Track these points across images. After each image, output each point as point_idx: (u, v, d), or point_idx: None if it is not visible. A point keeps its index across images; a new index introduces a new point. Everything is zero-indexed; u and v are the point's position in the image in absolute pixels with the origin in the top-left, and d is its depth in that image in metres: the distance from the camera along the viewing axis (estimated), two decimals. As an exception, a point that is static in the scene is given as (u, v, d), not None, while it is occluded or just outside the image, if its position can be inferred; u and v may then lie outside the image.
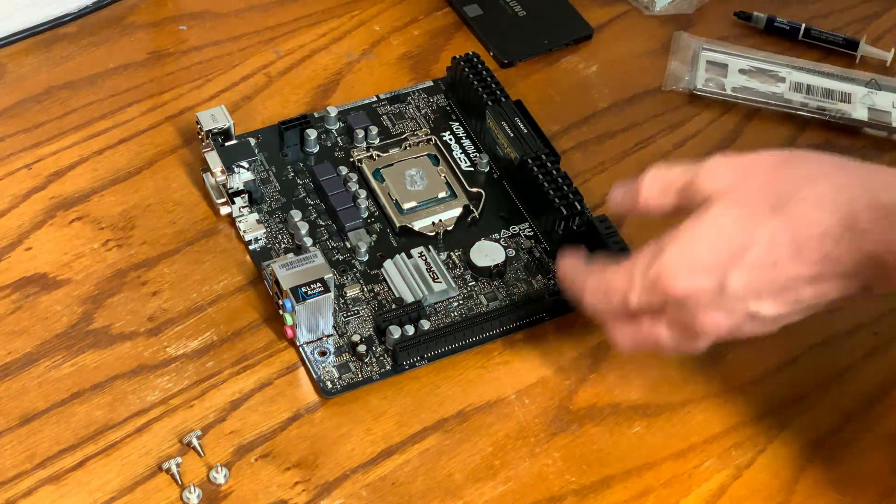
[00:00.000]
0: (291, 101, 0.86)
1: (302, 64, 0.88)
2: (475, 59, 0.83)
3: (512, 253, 0.77)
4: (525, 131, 0.79)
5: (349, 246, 0.77)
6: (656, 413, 0.72)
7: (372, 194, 0.79)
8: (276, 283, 0.71)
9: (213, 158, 0.77)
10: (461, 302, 0.75)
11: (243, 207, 0.78)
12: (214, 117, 0.78)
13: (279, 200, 0.79)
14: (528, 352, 0.74)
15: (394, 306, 0.74)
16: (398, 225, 0.78)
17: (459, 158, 0.82)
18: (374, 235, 0.78)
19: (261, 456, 0.69)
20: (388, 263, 0.76)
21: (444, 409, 0.71)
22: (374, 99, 0.85)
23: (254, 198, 0.78)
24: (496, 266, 0.76)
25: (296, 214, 0.77)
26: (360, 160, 0.81)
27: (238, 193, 0.77)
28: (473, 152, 0.82)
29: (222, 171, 0.77)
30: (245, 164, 0.78)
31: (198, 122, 0.78)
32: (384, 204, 0.79)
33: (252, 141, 0.80)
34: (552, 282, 0.75)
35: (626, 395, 0.72)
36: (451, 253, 0.77)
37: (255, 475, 0.68)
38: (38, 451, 0.68)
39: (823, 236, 0.60)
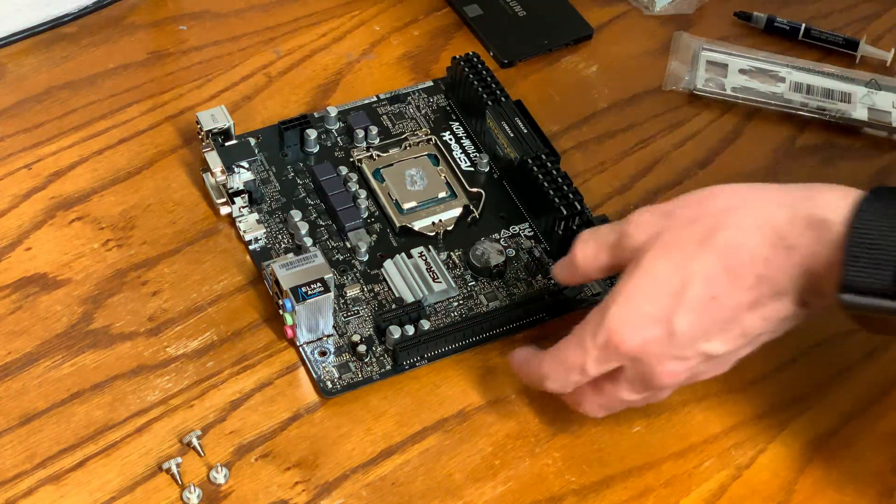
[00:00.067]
0: (291, 101, 0.86)
1: (302, 64, 0.88)
2: (475, 59, 0.83)
3: (512, 253, 0.77)
4: (525, 131, 0.79)
5: (349, 246, 0.77)
6: (656, 413, 0.72)
7: (372, 194, 0.79)
8: (276, 283, 0.71)
9: (213, 158, 0.77)
10: (461, 302, 0.75)
11: (243, 207, 0.78)
12: (214, 117, 0.78)
13: (279, 200, 0.79)
14: (528, 352, 0.74)
15: (394, 306, 0.74)
16: (398, 225, 0.78)
17: (459, 158, 0.82)
18: (374, 235, 0.78)
19: (261, 456, 0.69)
20: (388, 263, 0.76)
21: (444, 409, 0.71)
22: (374, 99, 0.85)
23: (254, 198, 0.78)
24: (496, 266, 0.76)
25: (296, 214, 0.77)
26: (360, 160, 0.81)
27: (238, 193, 0.77)
28: (473, 152, 0.82)
29: (222, 171, 0.77)
30: (245, 164, 0.78)
31: (198, 122, 0.78)
32: (384, 204, 0.79)
33: (252, 141, 0.80)
34: (552, 282, 0.75)
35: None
36: (451, 253, 0.77)
37: (256, 475, 0.68)
38: (38, 451, 0.68)
39: (754, 259, 0.61)
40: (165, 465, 0.68)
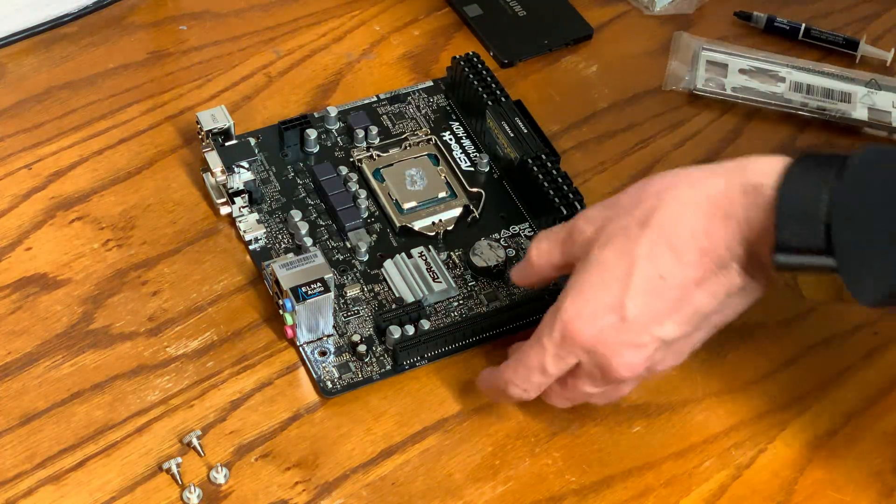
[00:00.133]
0: (291, 101, 0.86)
1: (302, 64, 0.88)
2: (475, 59, 0.83)
3: (512, 253, 0.77)
4: (525, 131, 0.79)
5: (349, 246, 0.77)
6: (656, 413, 0.72)
7: (372, 194, 0.79)
8: (276, 282, 0.71)
9: (213, 158, 0.77)
10: (461, 302, 0.75)
11: (243, 207, 0.78)
12: (214, 117, 0.78)
13: (279, 200, 0.79)
14: (528, 352, 0.74)
15: (394, 306, 0.74)
16: (398, 225, 0.78)
17: (459, 158, 0.82)
18: (374, 235, 0.78)
19: (261, 456, 0.69)
20: (388, 263, 0.76)
21: (444, 409, 0.71)
22: (374, 99, 0.85)
23: (254, 198, 0.78)
24: (496, 266, 0.76)
25: (296, 214, 0.77)
26: (360, 160, 0.81)
27: (238, 193, 0.77)
28: (473, 152, 0.82)
29: (222, 171, 0.77)
30: (245, 164, 0.78)
31: (198, 122, 0.78)
32: (384, 204, 0.79)
33: (252, 141, 0.80)
34: (552, 282, 0.75)
35: (627, 395, 0.72)
36: (451, 253, 0.77)
37: (256, 475, 0.68)
38: (38, 451, 0.68)
39: (694, 233, 0.62)
40: (165, 465, 0.68)
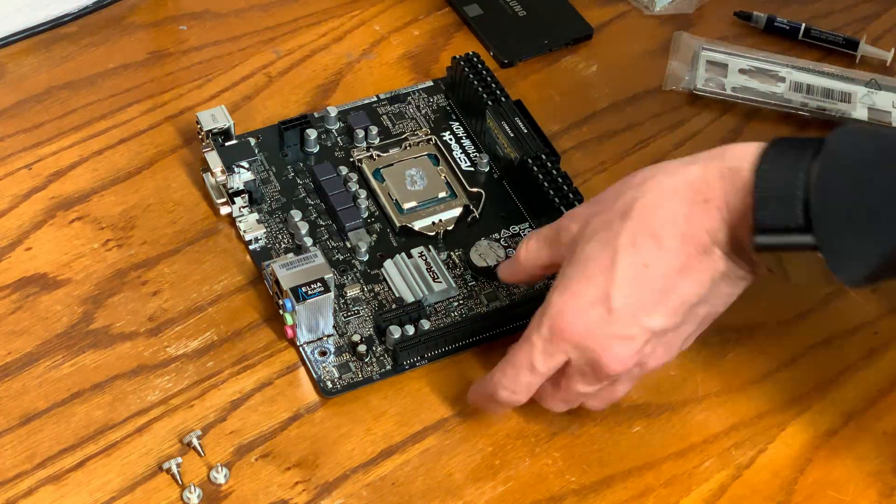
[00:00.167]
0: (291, 101, 0.86)
1: (302, 64, 0.88)
2: (475, 59, 0.83)
3: (512, 253, 0.77)
4: (525, 131, 0.79)
5: (349, 246, 0.77)
6: (656, 413, 0.72)
7: (372, 194, 0.79)
8: (277, 282, 0.71)
9: (213, 158, 0.77)
10: (461, 302, 0.75)
11: (243, 207, 0.78)
12: (214, 117, 0.78)
13: (279, 200, 0.79)
14: (528, 352, 0.74)
15: (394, 306, 0.74)
16: (398, 225, 0.78)
17: (459, 158, 0.82)
18: (374, 235, 0.78)
19: (261, 456, 0.69)
20: (388, 263, 0.76)
21: (444, 409, 0.71)
22: (374, 99, 0.85)
23: (254, 198, 0.78)
24: (496, 266, 0.76)
25: (296, 214, 0.77)
26: (360, 160, 0.81)
27: (238, 193, 0.77)
28: (473, 152, 0.82)
29: (222, 171, 0.77)
30: (245, 164, 0.78)
31: (198, 122, 0.78)
32: (384, 204, 0.79)
33: (252, 141, 0.80)
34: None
35: (626, 394, 0.72)
36: (452, 253, 0.77)
37: (256, 475, 0.68)
38: (38, 451, 0.68)
39: (675, 219, 0.62)
40: (166, 465, 0.68)
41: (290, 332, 0.72)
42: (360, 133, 0.82)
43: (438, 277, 0.75)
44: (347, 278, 0.76)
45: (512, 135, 0.79)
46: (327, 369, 0.72)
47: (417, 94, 0.86)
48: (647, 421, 0.71)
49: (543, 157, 0.78)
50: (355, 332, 0.73)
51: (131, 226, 0.78)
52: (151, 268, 0.76)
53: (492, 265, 0.76)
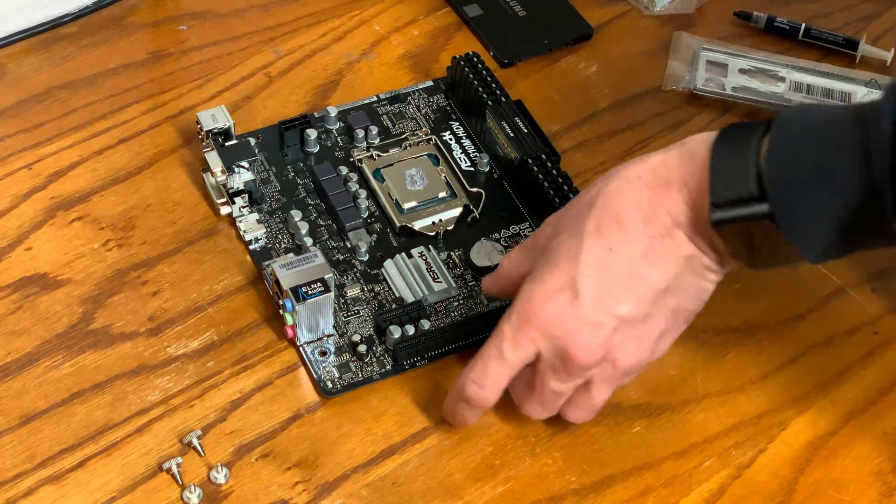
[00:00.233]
0: (291, 101, 0.86)
1: (302, 64, 0.88)
2: (475, 59, 0.83)
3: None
4: (525, 131, 0.79)
5: (349, 246, 0.77)
6: (656, 413, 0.72)
7: (372, 194, 0.79)
8: (277, 282, 0.71)
9: (214, 158, 0.77)
10: (461, 302, 0.75)
11: (243, 207, 0.78)
12: (214, 117, 0.79)
13: (279, 200, 0.79)
14: (528, 352, 0.74)
15: (394, 306, 0.74)
16: (398, 225, 0.78)
17: (459, 158, 0.82)
18: (375, 235, 0.78)
19: (261, 456, 0.69)
20: (388, 263, 0.76)
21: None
22: (374, 99, 0.85)
23: (254, 198, 0.78)
24: (496, 266, 0.76)
25: (296, 214, 0.77)
26: (360, 160, 0.81)
27: (238, 193, 0.77)
28: (473, 152, 0.82)
29: (222, 171, 0.77)
30: (245, 164, 0.78)
31: (198, 122, 0.78)
32: (384, 204, 0.79)
33: (252, 141, 0.80)
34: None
35: (626, 394, 0.72)
36: (452, 253, 0.77)
37: (256, 475, 0.68)
38: (38, 451, 0.68)
39: (637, 202, 0.63)
40: (166, 465, 0.68)
41: (290, 332, 0.72)
42: (360, 133, 0.82)
43: (438, 277, 0.75)
44: (347, 278, 0.76)
45: (512, 135, 0.79)
46: (327, 369, 0.72)
47: (417, 94, 0.86)
48: (647, 421, 0.71)
49: (543, 156, 0.78)
50: (355, 332, 0.73)
51: (131, 226, 0.78)
52: (151, 268, 0.76)
53: (492, 265, 0.76)
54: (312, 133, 0.81)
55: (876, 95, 0.87)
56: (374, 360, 0.72)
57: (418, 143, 0.82)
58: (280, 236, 0.77)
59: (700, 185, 0.62)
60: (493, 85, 0.82)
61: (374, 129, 0.82)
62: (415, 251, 0.76)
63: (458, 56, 0.84)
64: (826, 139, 0.59)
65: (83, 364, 0.72)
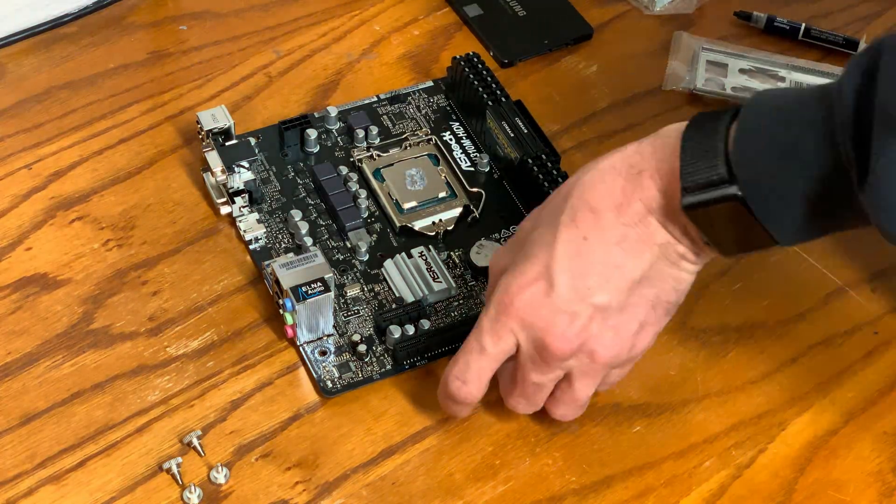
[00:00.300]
0: (291, 101, 0.86)
1: (302, 64, 0.88)
2: (475, 59, 0.83)
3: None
4: (525, 131, 0.79)
5: (349, 246, 0.77)
6: (656, 413, 0.72)
7: (372, 194, 0.79)
8: (277, 282, 0.71)
9: (214, 158, 0.77)
10: (462, 302, 0.75)
11: (243, 207, 0.78)
12: (215, 117, 0.79)
13: (279, 200, 0.79)
14: (528, 352, 0.74)
15: (394, 306, 0.74)
16: (398, 225, 0.78)
17: (460, 158, 0.82)
18: (375, 235, 0.78)
19: (261, 456, 0.69)
20: (388, 263, 0.76)
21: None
22: (375, 99, 0.85)
23: (254, 198, 0.78)
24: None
25: (296, 214, 0.77)
26: (360, 160, 0.81)
27: (238, 193, 0.77)
28: (474, 152, 0.82)
29: (222, 171, 0.77)
30: (245, 163, 0.78)
31: (198, 122, 0.78)
32: (384, 204, 0.79)
33: (252, 141, 0.80)
34: None
35: (626, 394, 0.72)
36: (452, 253, 0.77)
37: (256, 475, 0.68)
38: (38, 451, 0.68)
39: (611, 191, 0.64)
40: (166, 465, 0.68)
41: (290, 331, 0.72)
42: (361, 133, 0.82)
43: (438, 277, 0.75)
44: (347, 278, 0.76)
45: (512, 135, 0.79)
46: (327, 369, 0.72)
47: (418, 94, 0.86)
48: (647, 421, 0.71)
49: (543, 156, 0.78)
50: (355, 332, 0.73)
51: (131, 226, 0.78)
52: (151, 268, 0.76)
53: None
54: (312, 133, 0.81)
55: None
56: (374, 359, 0.72)
57: (418, 143, 0.82)
58: (280, 236, 0.77)
59: (671, 171, 0.62)
60: (493, 85, 0.82)
61: (375, 129, 0.82)
62: (415, 251, 0.76)
63: (458, 56, 0.84)
64: (792, 119, 0.60)
65: (83, 364, 0.72)
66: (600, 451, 0.70)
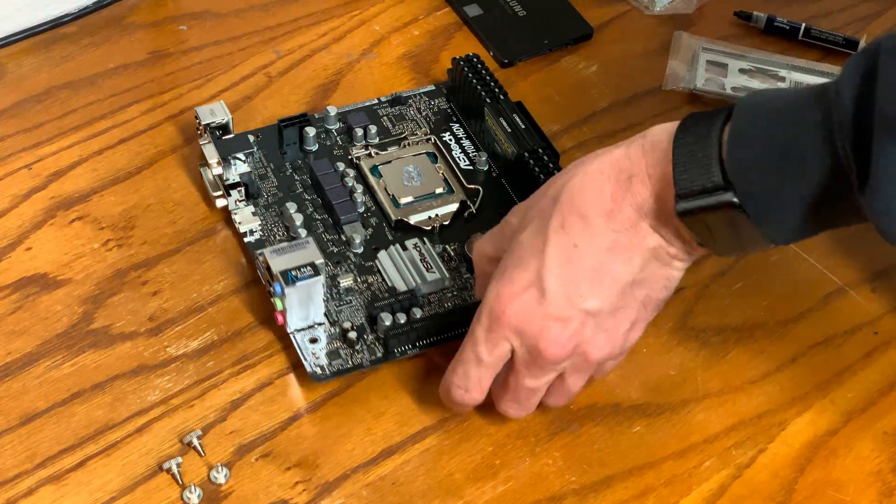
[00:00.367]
0: (291, 101, 0.86)
1: (302, 64, 0.88)
2: (475, 60, 0.83)
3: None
4: (523, 126, 0.79)
5: (344, 238, 0.77)
6: (656, 413, 0.72)
7: (369, 190, 0.79)
8: (268, 269, 0.70)
9: (210, 150, 0.77)
10: (456, 293, 0.75)
11: (239, 201, 0.77)
12: (213, 112, 0.79)
13: (276, 195, 0.79)
14: (528, 351, 0.74)
15: (387, 295, 0.74)
16: (394, 219, 0.78)
17: (458, 157, 0.82)
18: (370, 229, 0.78)
19: (261, 456, 0.69)
20: (382, 254, 0.76)
21: (445, 409, 0.71)
22: (375, 101, 0.85)
23: (250, 192, 0.78)
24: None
25: (291, 207, 0.77)
26: (358, 157, 0.81)
27: (234, 186, 0.77)
28: (473, 151, 0.82)
29: (218, 163, 0.77)
30: (241, 155, 0.77)
31: (197, 117, 0.78)
32: (381, 199, 0.79)
33: (251, 138, 0.80)
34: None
35: (627, 394, 0.72)
36: (447, 246, 0.77)
37: (256, 475, 0.68)
38: (38, 451, 0.68)
39: (601, 197, 0.63)
40: (166, 465, 0.68)
41: (280, 318, 0.72)
42: (360, 132, 0.82)
43: (432, 268, 0.75)
44: (341, 269, 0.76)
45: (510, 131, 0.79)
46: (317, 356, 0.72)
47: (418, 97, 0.85)
48: (647, 421, 0.71)
49: (540, 150, 0.78)
50: (347, 321, 0.73)
51: (131, 226, 0.78)
52: (151, 268, 0.76)
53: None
54: (311, 131, 0.81)
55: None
56: (364, 347, 0.72)
57: (417, 142, 0.82)
58: (275, 229, 0.77)
59: (663, 176, 0.62)
60: (493, 85, 0.82)
61: (374, 129, 0.82)
62: (409, 242, 0.76)
63: (458, 57, 0.83)
64: (788, 121, 0.59)
65: (83, 364, 0.72)
66: (600, 451, 0.70)
